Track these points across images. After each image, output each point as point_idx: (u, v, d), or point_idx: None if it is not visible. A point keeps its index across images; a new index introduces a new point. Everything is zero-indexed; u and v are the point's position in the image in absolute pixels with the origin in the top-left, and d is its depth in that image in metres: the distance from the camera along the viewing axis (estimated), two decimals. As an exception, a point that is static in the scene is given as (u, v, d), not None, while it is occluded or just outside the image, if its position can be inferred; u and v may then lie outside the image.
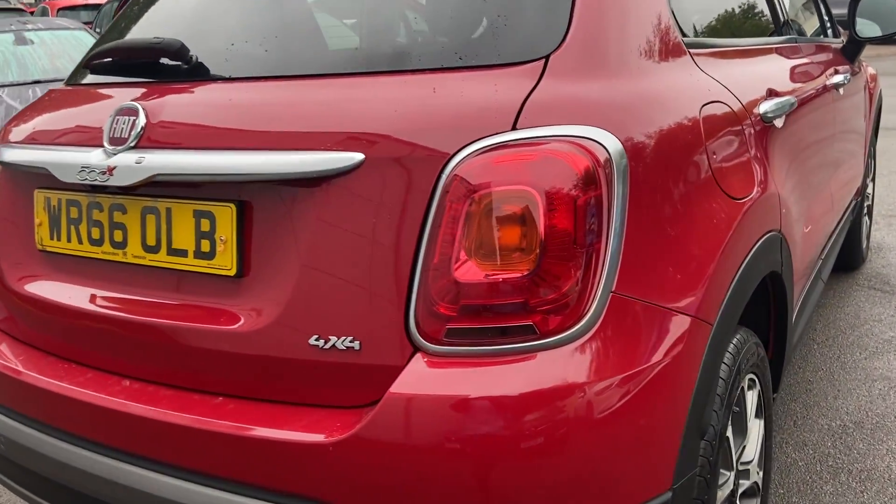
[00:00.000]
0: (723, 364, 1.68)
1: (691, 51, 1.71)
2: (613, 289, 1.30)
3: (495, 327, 1.25)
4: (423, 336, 1.27)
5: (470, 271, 1.25)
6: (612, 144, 1.33)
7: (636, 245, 1.35)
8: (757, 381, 1.95)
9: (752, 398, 1.93)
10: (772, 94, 1.99)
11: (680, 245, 1.43)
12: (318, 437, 1.28)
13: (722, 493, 1.70)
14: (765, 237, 1.75)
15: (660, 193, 1.42)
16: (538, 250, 1.24)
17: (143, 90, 1.61)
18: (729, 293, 1.53)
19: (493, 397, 1.22)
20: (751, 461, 1.97)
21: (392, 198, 1.30)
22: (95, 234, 1.59)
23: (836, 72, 2.90)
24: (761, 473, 2.08)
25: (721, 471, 1.74)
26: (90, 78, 1.89)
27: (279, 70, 1.53)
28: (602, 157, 1.30)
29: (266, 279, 1.39)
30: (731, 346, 1.73)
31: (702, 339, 1.44)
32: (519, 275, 1.24)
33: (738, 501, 1.93)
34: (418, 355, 1.27)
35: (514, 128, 1.30)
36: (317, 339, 1.32)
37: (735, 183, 1.63)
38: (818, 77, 2.57)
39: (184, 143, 1.45)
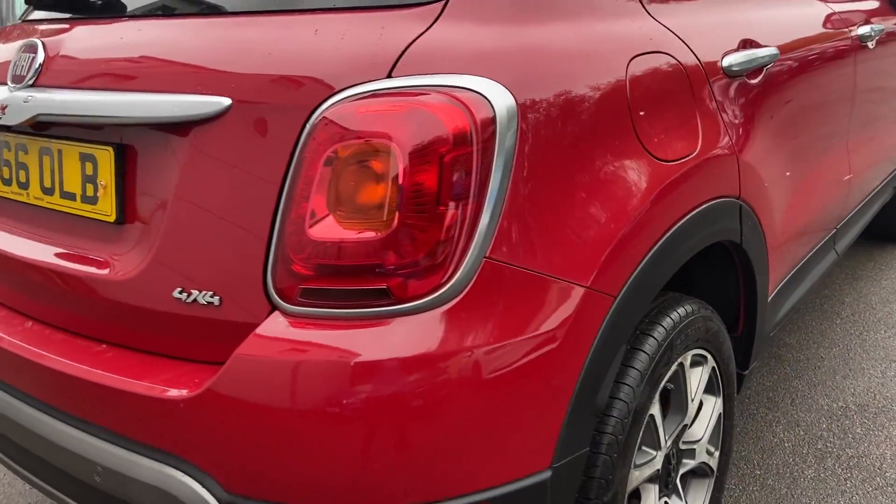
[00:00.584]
0: (648, 338, 1.56)
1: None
2: (487, 254, 1.20)
3: (349, 289, 1.18)
4: (279, 295, 1.21)
5: (325, 229, 1.17)
6: (501, 98, 1.21)
7: (523, 209, 1.24)
8: (711, 356, 1.82)
9: (700, 375, 1.80)
10: (747, 44, 1.79)
11: (578, 211, 1.30)
12: (173, 392, 1.24)
13: (641, 473, 1.60)
14: (710, 203, 1.60)
15: (558, 155, 1.29)
16: (396, 210, 1.15)
17: (53, 27, 1.58)
18: (644, 264, 1.40)
19: (338, 363, 1.15)
20: (698, 440, 1.85)
21: (258, 147, 1.23)
22: (6, 173, 1.58)
23: (868, 22, 2.62)
24: (717, 454, 1.96)
25: (644, 449, 1.64)
26: (35, 14, 1.87)
27: (176, 9, 1.47)
28: (483, 112, 1.19)
29: (142, 228, 1.35)
30: (668, 319, 1.61)
31: (598, 311, 1.32)
32: (375, 235, 1.16)
33: (678, 482, 1.83)
34: (275, 314, 1.22)
35: (389, 75, 1.20)
36: (180, 293, 1.28)
37: (667, 143, 1.47)
38: (832, 27, 2.32)
39: (72, 83, 1.41)
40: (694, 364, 1.79)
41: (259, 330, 1.20)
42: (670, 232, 1.46)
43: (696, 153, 1.54)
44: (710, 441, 1.95)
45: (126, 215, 1.38)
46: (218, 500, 1.24)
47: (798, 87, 2.04)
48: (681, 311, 1.66)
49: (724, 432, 1.97)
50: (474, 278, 1.19)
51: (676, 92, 1.53)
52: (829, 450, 2.44)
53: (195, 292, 1.27)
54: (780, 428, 2.57)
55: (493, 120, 1.20)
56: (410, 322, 1.17)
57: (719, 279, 1.98)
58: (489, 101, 1.20)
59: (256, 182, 1.23)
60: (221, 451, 1.23)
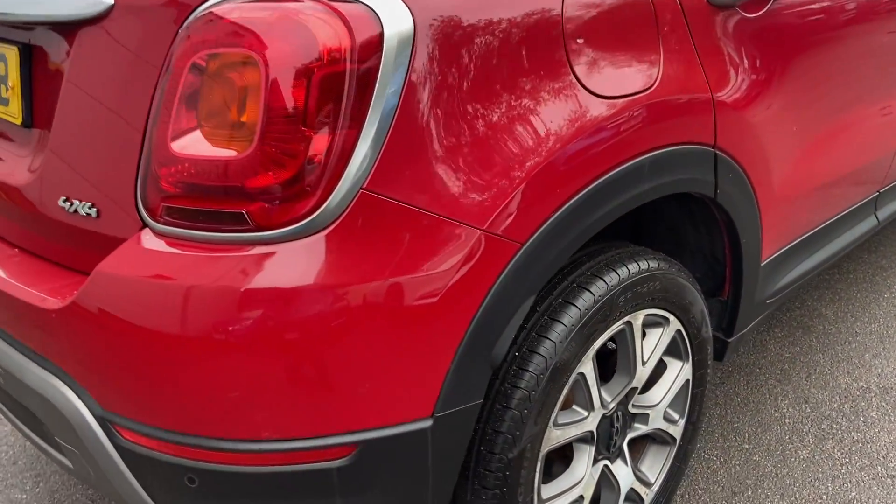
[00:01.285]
0: (584, 292, 1.44)
1: None
2: (365, 186, 1.11)
3: (210, 211, 1.11)
4: (146, 211, 1.16)
5: (187, 144, 1.10)
6: (395, 16, 1.10)
7: (413, 142, 1.13)
8: (675, 318, 1.67)
9: (658, 337, 1.66)
10: None
11: (481, 148, 1.18)
12: (50, 302, 1.23)
13: (565, 433, 1.49)
14: (667, 150, 1.43)
15: (465, 86, 1.16)
16: (257, 129, 1.07)
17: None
18: (564, 211, 1.27)
19: (192, 288, 1.10)
20: (653, 405, 1.72)
21: (137, 53, 1.17)
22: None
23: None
24: (681, 422, 1.83)
25: (575, 408, 1.54)
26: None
27: None
28: (368, 30, 1.08)
29: (41, 133, 1.32)
30: (612, 274, 1.48)
31: (497, 258, 1.21)
32: (235, 155, 1.08)
33: (625, 446, 1.72)
34: (143, 231, 1.17)
35: (262, -22, 1.10)
36: (64, 201, 1.26)
37: (611, 77, 1.32)
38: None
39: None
40: (652, 325, 1.66)
41: (123, 246, 1.16)
42: (604, 178, 1.32)
43: (649, 91, 1.37)
44: (674, 408, 1.82)
45: (33, 118, 1.35)
46: (93, 414, 1.23)
47: (820, 24, 1.80)
48: (631, 266, 1.53)
49: (693, 400, 1.84)
50: (346, 211, 1.11)
51: (633, 21, 1.36)
52: (833, 431, 2.25)
53: (76, 202, 1.24)
54: (784, 402, 2.38)
55: (379, 40, 1.09)
56: (270, 252, 1.10)
57: (705, 236, 1.81)
58: (378, 19, 1.09)
59: (133, 89, 1.17)
60: (90, 365, 1.22)
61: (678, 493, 2.04)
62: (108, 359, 1.18)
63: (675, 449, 1.85)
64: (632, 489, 1.75)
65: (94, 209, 1.22)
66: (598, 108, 1.29)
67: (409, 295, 1.15)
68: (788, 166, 1.81)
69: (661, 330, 1.67)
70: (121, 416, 1.21)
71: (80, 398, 1.24)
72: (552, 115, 1.25)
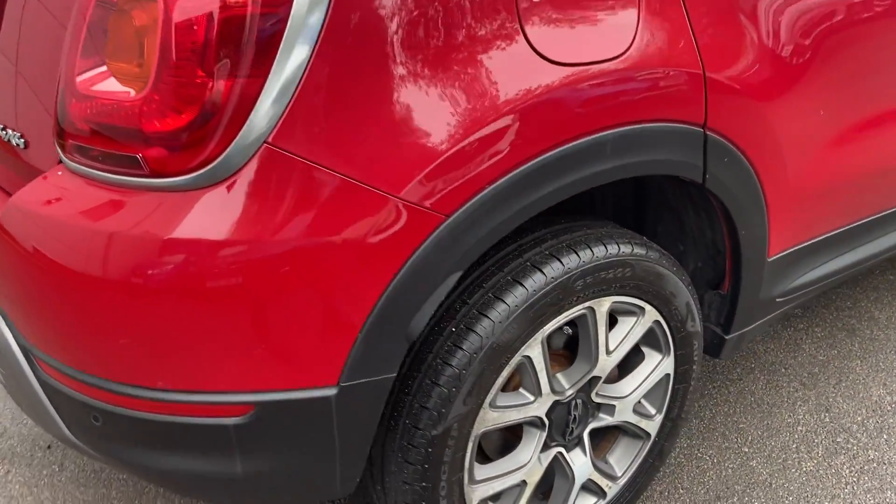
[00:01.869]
0: (535, 272, 1.35)
1: None
2: (269, 140, 1.05)
3: (109, 153, 1.09)
4: (59, 146, 1.15)
5: (90, 80, 1.08)
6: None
7: (328, 98, 1.06)
8: (653, 309, 1.55)
9: (630, 326, 1.55)
10: None
11: (406, 110, 1.10)
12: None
13: (503, 415, 1.42)
14: (642, 126, 1.30)
15: (393, 42, 1.08)
16: (154, 70, 1.02)
17: None
18: (500, 185, 1.17)
19: (85, 227, 1.09)
20: (622, 397, 1.62)
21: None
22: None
23: None
24: (658, 417, 1.71)
25: (521, 391, 1.46)
26: None
27: None
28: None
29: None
30: (571, 256, 1.38)
31: (416, 229, 1.14)
32: (132, 96, 1.05)
33: (585, 435, 1.62)
34: (57, 167, 1.16)
35: None
36: (2, 129, 1.26)
37: (570, 41, 1.19)
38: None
39: None
40: (624, 313, 1.55)
41: (36, 180, 1.16)
42: (552, 153, 1.21)
43: (618, 59, 1.24)
44: (651, 402, 1.71)
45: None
46: (19, 344, 1.26)
47: None
48: (597, 250, 1.42)
49: (673, 397, 1.72)
50: (247, 164, 1.06)
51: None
52: (848, 446, 2.07)
53: (10, 131, 1.24)
54: (803, 408, 2.21)
55: None
56: (166, 200, 1.07)
57: (706, 223, 1.67)
58: (292, -42, 1.02)
59: (58, 22, 1.15)
60: (8, 295, 1.23)
61: (657, 489, 1.94)
62: (19, 291, 1.19)
63: (649, 445, 1.75)
64: (591, 480, 1.67)
65: (23, 140, 1.22)
66: (549, 76, 1.18)
67: (311, 259, 1.10)
68: (810, 156, 1.63)
69: (634, 319, 1.56)
70: (38, 349, 1.23)
71: (7, 326, 1.26)
72: (490, 80, 1.14)
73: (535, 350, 1.42)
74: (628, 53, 1.25)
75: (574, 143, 1.23)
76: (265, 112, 1.04)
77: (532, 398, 1.47)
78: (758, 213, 1.59)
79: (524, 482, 1.54)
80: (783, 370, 2.37)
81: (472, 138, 1.14)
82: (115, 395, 1.17)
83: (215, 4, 1.01)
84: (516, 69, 1.16)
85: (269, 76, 1.03)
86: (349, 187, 1.09)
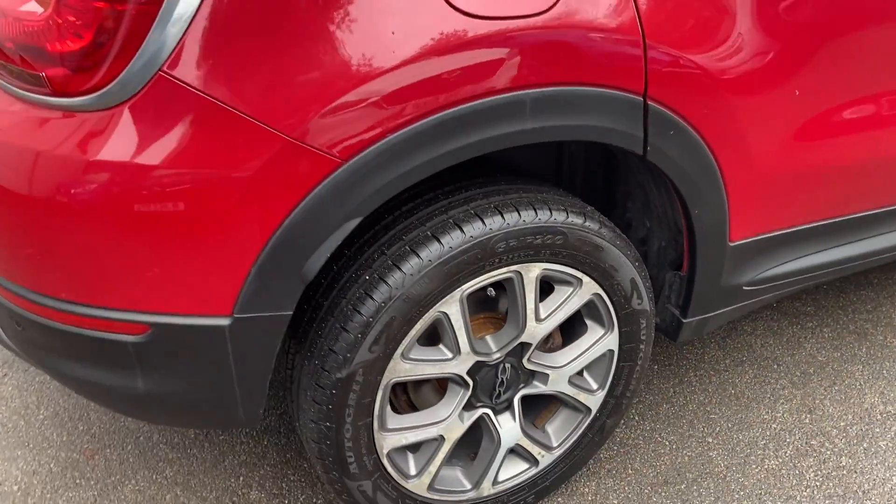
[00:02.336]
0: (453, 230, 1.35)
1: None
2: (164, 69, 1.09)
3: (18, 69, 1.15)
4: None
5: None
6: None
7: (224, 32, 1.09)
8: (592, 281, 1.53)
9: (565, 296, 1.53)
10: None
11: (307, 50, 1.11)
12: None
13: (416, 368, 1.44)
14: (568, 89, 1.27)
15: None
16: (58, -8, 1.08)
17: None
18: (402, 135, 1.17)
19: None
20: (557, 367, 1.61)
21: None
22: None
23: None
24: (600, 393, 1.69)
25: (441, 347, 1.47)
26: None
27: None
28: None
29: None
30: (493, 218, 1.37)
31: (309, 171, 1.15)
32: (39, 15, 1.10)
33: (516, 400, 1.62)
34: (-8, 84, 1.24)
35: None
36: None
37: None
38: None
39: None
40: (561, 282, 1.52)
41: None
42: (462, 107, 1.20)
43: (539, 17, 1.20)
44: (594, 376, 1.69)
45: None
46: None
47: None
48: (526, 214, 1.40)
49: (618, 374, 1.69)
50: (141, 91, 1.10)
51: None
52: (821, 450, 1.98)
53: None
54: (784, 407, 2.12)
55: None
56: (65, 118, 1.13)
57: (666, 199, 1.62)
58: None
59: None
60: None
61: (606, 467, 1.91)
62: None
63: (589, 420, 1.73)
64: (521, 447, 1.67)
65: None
66: (460, 28, 1.17)
67: (199, 189, 1.14)
68: (779, 139, 1.54)
69: (570, 290, 1.53)
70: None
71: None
72: (394, 26, 1.14)
73: (452, 307, 1.42)
74: (552, 12, 1.22)
75: (486, 100, 1.21)
76: (159, 40, 1.08)
77: (450, 355, 1.47)
78: (714, 194, 1.53)
79: (442, 437, 1.56)
80: (775, 367, 2.28)
81: (371, 85, 1.14)
82: (28, 303, 1.25)
83: (115, -67, 1.04)
84: (424, 17, 1.15)
85: (164, 5, 1.07)
86: (242, 123, 1.12)
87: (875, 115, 1.65)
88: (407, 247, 1.36)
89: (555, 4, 1.22)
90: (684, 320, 1.74)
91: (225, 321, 1.24)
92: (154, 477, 1.87)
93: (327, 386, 1.38)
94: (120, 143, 1.12)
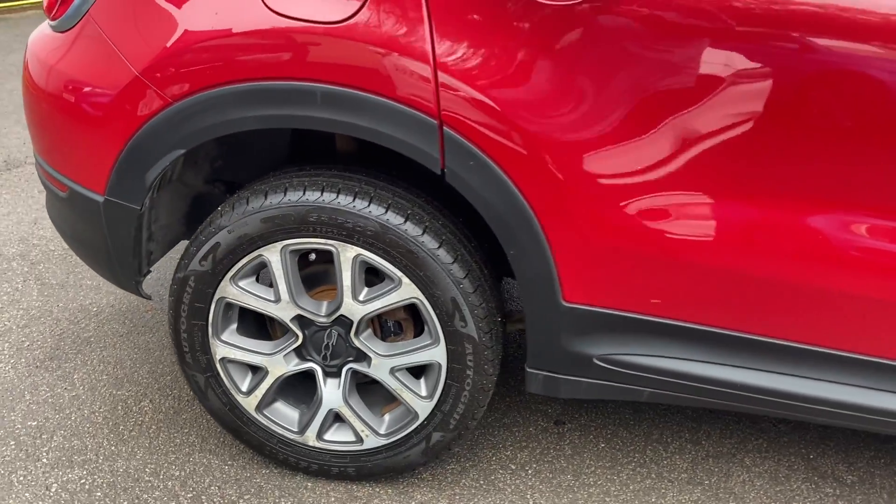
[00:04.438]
0: (279, 190, 1.64)
1: None
2: (88, 11, 1.61)
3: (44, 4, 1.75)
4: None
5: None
6: None
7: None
8: (411, 284, 1.65)
9: (385, 289, 1.68)
10: None
11: (159, 15, 1.54)
12: None
13: (241, 295, 1.74)
14: (355, 92, 1.45)
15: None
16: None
17: None
18: (215, 92, 1.51)
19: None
20: (378, 354, 1.77)
21: None
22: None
23: None
24: (429, 403, 1.79)
25: (271, 289, 1.74)
26: None
27: None
28: None
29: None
30: (312, 193, 1.62)
31: (149, 102, 1.55)
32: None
33: (343, 369, 1.81)
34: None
35: None
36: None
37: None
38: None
39: None
40: (384, 274, 1.68)
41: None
42: (263, 83, 1.49)
43: (335, 25, 1.43)
44: (427, 383, 1.80)
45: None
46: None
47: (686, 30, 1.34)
48: (343, 198, 1.62)
49: (445, 389, 1.77)
50: (76, 24, 1.64)
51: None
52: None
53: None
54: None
55: None
56: (48, 35, 1.72)
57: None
58: None
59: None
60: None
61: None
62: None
63: (417, 424, 1.83)
64: (348, 419, 1.84)
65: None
66: (266, 20, 1.47)
67: (91, 93, 1.63)
68: (607, 207, 1.47)
69: (390, 284, 1.68)
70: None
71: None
72: (220, 10, 1.49)
73: (273, 256, 1.69)
74: (346, 24, 1.44)
75: (283, 81, 1.49)
76: (87, -7, 1.61)
77: (273, 298, 1.75)
78: (531, 240, 1.53)
79: (266, 371, 1.83)
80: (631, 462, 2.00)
81: (195, 48, 1.51)
82: (41, 169, 1.88)
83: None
84: (247, 7, 1.48)
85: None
86: (116, 56, 1.58)
87: (741, 216, 1.46)
88: (247, 193, 1.69)
89: (349, 18, 1.44)
90: (527, 369, 1.73)
91: (100, 198, 1.71)
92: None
93: (175, 281, 1.78)
94: (57, 53, 1.67)
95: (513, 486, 1.96)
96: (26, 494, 1.86)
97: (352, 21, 1.45)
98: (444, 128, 1.48)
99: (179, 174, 1.81)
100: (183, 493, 1.89)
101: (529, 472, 2.01)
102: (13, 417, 2.11)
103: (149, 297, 1.93)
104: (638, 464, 2.06)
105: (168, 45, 1.54)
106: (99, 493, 1.88)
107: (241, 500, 1.88)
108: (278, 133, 1.93)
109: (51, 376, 2.27)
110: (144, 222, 1.75)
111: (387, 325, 1.85)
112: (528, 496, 1.93)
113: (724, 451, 2.11)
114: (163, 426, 2.10)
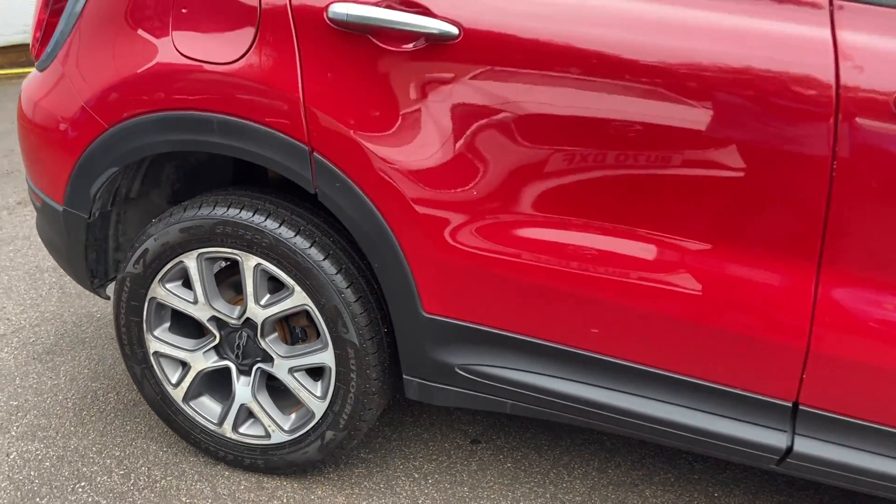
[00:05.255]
0: (195, 205, 1.92)
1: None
2: (58, 54, 1.96)
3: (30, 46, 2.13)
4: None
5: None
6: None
7: (86, 36, 1.90)
8: (302, 292, 1.88)
9: (281, 295, 1.91)
10: (406, 3, 1.56)
11: (106, 54, 1.84)
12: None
13: (167, 295, 2.01)
14: (243, 122, 1.71)
15: (113, 10, 1.84)
16: (40, 9, 2.02)
17: None
18: (133, 121, 1.81)
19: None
20: (279, 355, 1.99)
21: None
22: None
23: None
24: (322, 403, 1.99)
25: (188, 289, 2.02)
26: None
27: None
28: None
29: None
30: (220, 209, 1.89)
31: (92, 127, 1.86)
32: (34, 23, 2.06)
33: (254, 371, 2.04)
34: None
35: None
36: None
37: (198, 44, 1.71)
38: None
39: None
40: (282, 282, 1.92)
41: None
42: (169, 112, 1.78)
43: (225, 65, 1.71)
44: (322, 385, 2.00)
45: None
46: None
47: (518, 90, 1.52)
48: (244, 213, 1.87)
49: (335, 391, 1.97)
50: (51, 63, 1.99)
51: (234, 12, 1.71)
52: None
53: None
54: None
55: None
56: (33, 73, 2.09)
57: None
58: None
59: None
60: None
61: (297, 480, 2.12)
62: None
63: (314, 423, 2.02)
64: (256, 415, 2.07)
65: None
66: (176, 61, 1.76)
67: (53, 119, 1.97)
68: (453, 228, 1.66)
69: (286, 292, 1.91)
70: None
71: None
72: (146, 51, 1.80)
73: (191, 262, 1.96)
74: (234, 65, 1.71)
75: (185, 111, 1.77)
76: (59, 35, 1.95)
77: (191, 299, 2.01)
78: (392, 256, 1.73)
79: (188, 365, 2.09)
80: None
81: (120, 84, 1.83)
82: (32, 193, 2.25)
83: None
84: (161, 51, 1.78)
85: (60, 19, 1.94)
86: (70, 89, 1.92)
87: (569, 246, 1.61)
88: (172, 209, 1.98)
89: (238, 60, 1.72)
90: (403, 376, 1.91)
91: (60, 208, 2.05)
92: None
93: (117, 281, 2.08)
94: (39, 89, 2.03)
95: (409, 492, 2.11)
96: (-8, 460, 2.19)
97: (239, 63, 1.72)
98: (314, 153, 1.72)
99: (139, 192, 2.13)
100: (116, 470, 2.16)
101: (430, 481, 2.16)
102: (0, 397, 2.45)
103: (108, 298, 2.24)
104: (537, 484, 2.17)
105: (105, 80, 1.87)
106: (48, 464, 2.17)
107: (163, 480, 2.12)
108: (224, 160, 2.23)
109: (42, 367, 2.61)
110: (100, 232, 2.07)
111: (294, 331, 2.08)
112: (420, 502, 2.08)
113: (627, 480, 2.19)
114: (120, 415, 2.39)
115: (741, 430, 1.65)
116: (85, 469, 2.16)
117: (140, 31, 1.82)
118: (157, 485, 2.11)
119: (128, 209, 2.15)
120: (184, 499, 2.07)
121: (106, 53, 1.88)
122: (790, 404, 1.61)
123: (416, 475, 2.18)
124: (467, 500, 2.09)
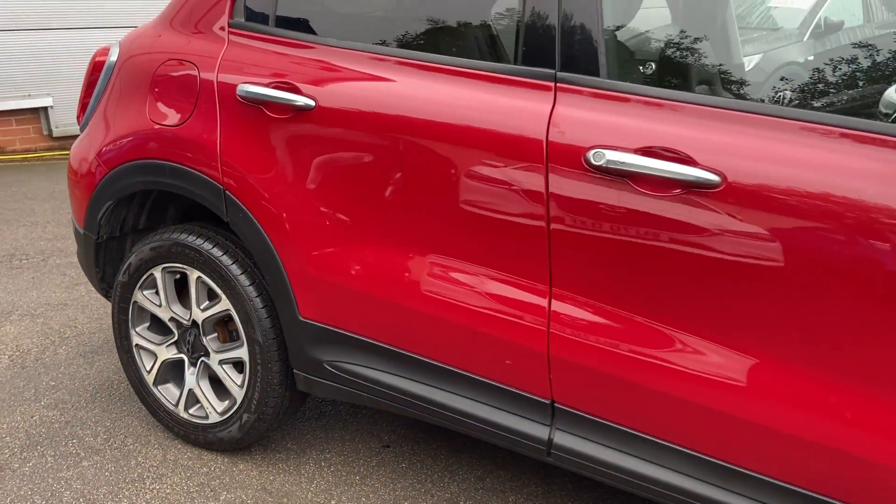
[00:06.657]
0: (162, 234, 2.58)
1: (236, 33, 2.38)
2: (87, 124, 2.74)
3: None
4: None
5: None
6: (113, 52, 2.67)
7: (103, 113, 2.67)
8: (227, 299, 2.46)
9: (214, 302, 2.50)
10: (283, 85, 2.15)
11: (112, 120, 2.58)
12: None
13: (144, 300, 2.66)
14: (184, 167, 2.35)
15: (123, 90, 2.58)
16: (84, 89, 2.82)
17: None
18: (120, 168, 2.51)
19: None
20: (213, 350, 2.57)
21: None
22: None
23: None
24: (241, 391, 2.54)
25: (155, 294, 2.66)
26: None
27: None
28: (109, 56, 2.69)
29: None
30: (176, 233, 2.54)
31: (101, 170, 2.58)
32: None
33: (198, 364, 2.62)
34: (104, 124, 3.06)
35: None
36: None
37: (161, 112, 2.39)
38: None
39: None
40: (209, 293, 2.51)
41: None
42: (142, 160, 2.47)
43: (175, 128, 2.38)
44: (244, 376, 2.54)
45: None
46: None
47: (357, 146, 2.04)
48: (190, 238, 2.50)
49: (250, 381, 2.51)
50: (86, 127, 2.78)
51: (183, 88, 2.38)
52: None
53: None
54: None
55: (105, 63, 2.68)
56: (81, 135, 2.89)
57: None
58: (109, 54, 2.68)
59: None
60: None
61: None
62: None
63: (236, 407, 2.57)
64: (202, 402, 2.64)
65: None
66: (148, 126, 2.46)
67: (81, 168, 2.72)
68: (321, 250, 2.19)
69: (218, 299, 2.50)
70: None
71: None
72: (132, 119, 2.52)
73: (158, 274, 2.61)
74: (179, 128, 2.38)
75: (152, 160, 2.46)
76: (89, 112, 2.73)
77: (158, 303, 2.65)
78: (276, 270, 2.28)
79: (156, 356, 2.71)
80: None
81: (111, 144, 2.55)
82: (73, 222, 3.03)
83: (92, 67, 2.75)
84: (141, 119, 2.50)
85: (91, 98, 2.72)
86: (92, 147, 2.67)
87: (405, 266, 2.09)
88: (149, 235, 2.65)
89: (182, 123, 2.38)
90: (293, 368, 2.42)
91: (81, 231, 2.78)
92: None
93: (114, 287, 2.76)
94: (78, 144, 2.81)
95: (310, 474, 2.59)
96: (20, 409, 2.89)
97: (184, 125, 2.39)
98: (225, 191, 2.33)
99: (146, 224, 2.84)
100: (102, 435, 2.79)
101: (331, 469, 2.62)
102: (45, 379, 3.20)
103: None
104: (419, 481, 2.57)
105: (109, 139, 2.60)
106: (57, 425, 2.86)
107: (131, 445, 2.73)
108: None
109: (83, 361, 3.35)
110: (115, 252, 2.78)
111: (232, 333, 2.66)
112: (315, 482, 2.55)
113: (499, 488, 2.54)
114: (125, 398, 3.05)
115: (514, 421, 2.02)
116: (80, 431, 2.82)
117: (131, 106, 2.56)
118: (126, 447, 2.72)
119: (140, 237, 2.86)
120: (139, 458, 2.66)
121: (112, 120, 2.62)
122: (549, 402, 1.97)
123: (323, 464, 2.65)
124: (355, 485, 2.53)
